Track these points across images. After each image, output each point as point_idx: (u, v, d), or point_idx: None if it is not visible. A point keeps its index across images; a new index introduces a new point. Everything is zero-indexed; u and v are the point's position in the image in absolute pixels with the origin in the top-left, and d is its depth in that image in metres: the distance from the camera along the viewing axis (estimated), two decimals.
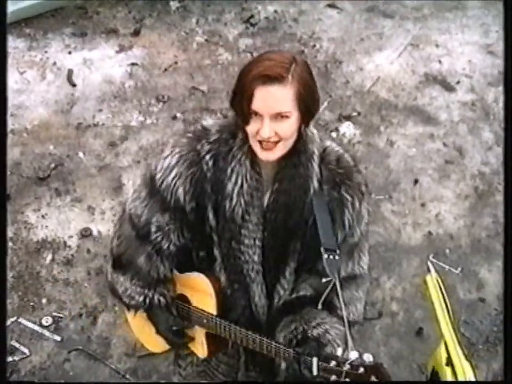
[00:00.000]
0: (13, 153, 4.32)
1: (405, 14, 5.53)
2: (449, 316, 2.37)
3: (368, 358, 1.86)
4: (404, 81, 4.94)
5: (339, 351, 1.92)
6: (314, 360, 1.95)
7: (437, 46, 5.23)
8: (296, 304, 2.16)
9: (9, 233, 3.92)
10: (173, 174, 2.06)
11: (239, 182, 2.03)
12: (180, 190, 2.07)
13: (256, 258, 2.12)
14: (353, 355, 1.87)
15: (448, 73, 5.03)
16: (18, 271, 3.79)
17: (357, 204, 2.09)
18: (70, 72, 4.87)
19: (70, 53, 5.03)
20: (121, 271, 2.24)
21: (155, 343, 2.41)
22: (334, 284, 2.02)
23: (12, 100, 4.64)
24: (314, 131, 2.09)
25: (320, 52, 5.10)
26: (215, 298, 2.18)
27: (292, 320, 2.14)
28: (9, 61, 4.92)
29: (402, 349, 3.58)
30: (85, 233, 3.95)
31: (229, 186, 2.04)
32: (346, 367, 1.87)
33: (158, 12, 5.37)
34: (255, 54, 4.95)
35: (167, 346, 2.40)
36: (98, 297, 3.71)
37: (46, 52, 5.03)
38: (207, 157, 2.05)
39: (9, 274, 3.76)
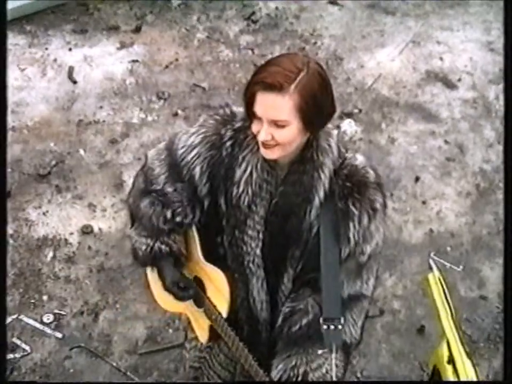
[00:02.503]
0: (13, 150, 4.32)
1: (406, 11, 5.52)
2: (452, 314, 2.37)
3: None
4: (405, 78, 4.94)
5: None
6: None
7: (438, 43, 5.22)
8: (301, 335, 2.11)
9: (10, 230, 3.91)
10: (194, 153, 2.10)
11: (248, 170, 2.05)
12: (197, 169, 2.11)
13: (258, 251, 2.12)
14: None
15: (449, 70, 5.02)
16: (19, 268, 3.79)
17: (364, 220, 2.03)
18: (71, 69, 4.87)
19: (70, 49, 5.02)
20: (133, 225, 2.28)
21: (166, 301, 2.39)
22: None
23: (13, 96, 4.63)
24: (333, 144, 2.04)
25: (321, 48, 5.10)
26: (228, 303, 2.17)
27: (292, 355, 2.11)
28: (10, 57, 4.92)
29: (403, 347, 3.58)
30: (86, 230, 3.95)
31: (238, 173, 2.06)
32: None
33: (159, 9, 5.36)
34: (256, 51, 4.96)
35: (174, 309, 2.42)
36: (100, 294, 3.70)
37: (46, 48, 5.03)
38: (228, 143, 2.08)
39: (10, 271, 3.76)
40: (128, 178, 4.19)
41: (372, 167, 2.09)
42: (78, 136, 4.45)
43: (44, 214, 4.03)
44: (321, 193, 2.02)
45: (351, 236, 2.03)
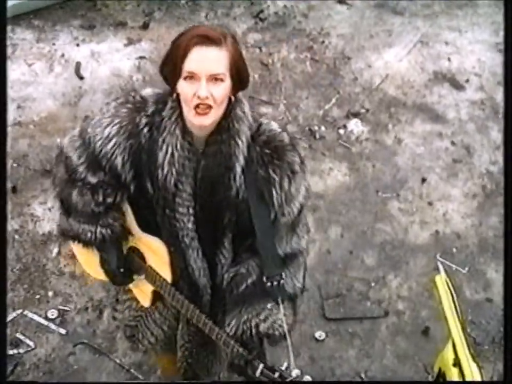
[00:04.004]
0: (20, 146, 4.32)
1: (414, 11, 5.49)
2: (458, 317, 2.37)
3: (307, 379, 2.11)
4: (412, 78, 4.92)
5: (284, 366, 2.09)
6: (261, 366, 2.12)
7: (447, 43, 5.20)
8: (248, 294, 2.24)
9: (15, 226, 3.92)
10: (111, 144, 2.14)
11: (170, 151, 2.10)
12: (119, 159, 2.16)
13: (190, 225, 2.21)
14: (295, 373, 2.07)
15: (457, 71, 5.00)
16: (24, 264, 3.79)
17: (285, 184, 2.14)
18: (78, 65, 4.86)
19: (78, 45, 5.01)
20: (66, 213, 2.32)
21: (96, 269, 2.46)
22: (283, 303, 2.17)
23: (19, 91, 4.64)
24: (247, 110, 2.14)
25: (329, 48, 5.08)
26: (170, 267, 2.29)
27: (242, 311, 2.24)
28: (17, 52, 4.92)
29: (408, 348, 3.57)
30: None
31: (160, 155, 2.11)
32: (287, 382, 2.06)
33: (167, 6, 5.35)
34: (263, 49, 4.95)
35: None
36: (104, 290, 3.70)
37: (54, 44, 5.02)
38: (145, 129, 2.13)
39: (15, 266, 3.77)
40: None
41: (285, 131, 2.20)
42: None
43: (49, 209, 4.02)
44: (241, 160, 2.11)
45: (274, 200, 2.14)
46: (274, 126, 2.19)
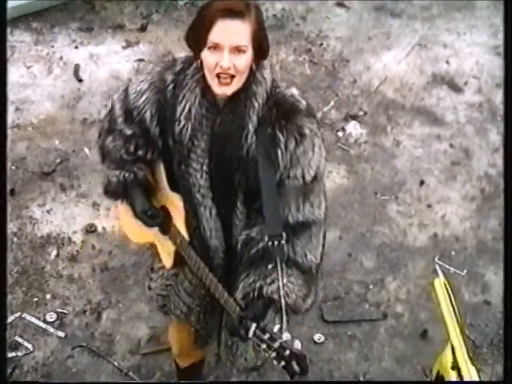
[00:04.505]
0: (18, 148, 4.32)
1: (413, 13, 5.51)
2: (457, 320, 2.37)
3: (297, 345, 2.10)
4: (411, 81, 4.93)
5: (275, 328, 2.14)
6: (253, 326, 2.16)
7: (445, 46, 5.21)
8: (257, 257, 2.26)
9: (14, 228, 3.91)
10: (143, 98, 2.28)
11: (187, 106, 2.21)
12: (148, 113, 2.29)
13: (202, 182, 2.28)
14: (285, 336, 2.11)
15: (456, 74, 5.01)
16: (23, 266, 3.79)
17: (291, 145, 2.18)
18: (77, 67, 4.86)
19: (76, 47, 5.02)
20: (103, 161, 2.46)
21: (134, 233, 2.59)
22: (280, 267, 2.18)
23: (18, 94, 4.64)
24: (267, 75, 2.22)
25: (328, 50, 5.09)
26: (184, 220, 2.35)
27: (250, 274, 2.28)
28: (16, 55, 4.92)
29: (406, 351, 3.57)
30: (90, 229, 3.94)
31: (178, 110, 2.23)
32: (277, 344, 2.11)
33: (166, 8, 5.36)
34: None
35: (142, 239, 2.60)
36: (103, 293, 3.70)
37: (52, 46, 5.02)
38: (171, 85, 2.25)
39: (14, 269, 3.76)
40: None
41: (304, 98, 2.25)
42: (83, 134, 4.45)
43: (47, 212, 4.02)
44: (254, 120, 2.19)
45: (280, 161, 2.19)
46: (293, 91, 2.25)
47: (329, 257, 3.82)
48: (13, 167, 4.18)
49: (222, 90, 2.13)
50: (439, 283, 2.43)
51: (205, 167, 2.26)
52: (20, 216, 3.99)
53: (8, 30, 4.89)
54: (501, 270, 3.88)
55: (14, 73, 4.74)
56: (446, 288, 2.44)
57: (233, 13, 2.05)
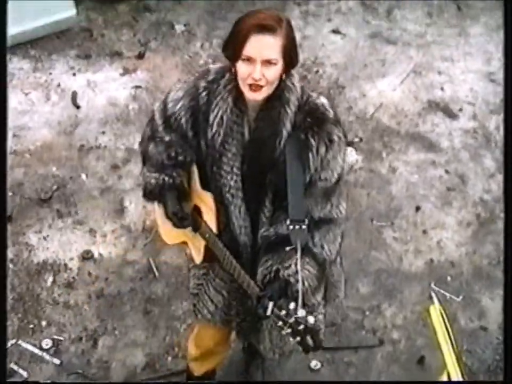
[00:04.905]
0: (15, 174, 4.34)
1: (407, 40, 5.56)
2: (453, 347, 2.37)
3: (311, 320, 2.21)
4: (406, 107, 4.96)
5: (292, 305, 2.25)
6: (270, 304, 2.29)
7: (440, 73, 5.26)
8: (276, 243, 2.44)
9: (10, 255, 3.92)
10: (179, 105, 2.49)
11: (220, 114, 2.41)
12: (183, 119, 2.49)
13: (232, 183, 2.47)
14: (300, 313, 2.22)
15: (450, 100, 5.05)
16: (19, 293, 3.79)
17: (322, 149, 2.38)
18: (74, 94, 4.89)
19: (74, 74, 5.05)
20: (144, 165, 2.66)
21: (168, 235, 2.79)
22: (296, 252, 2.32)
23: (15, 120, 4.66)
24: (296, 82, 2.41)
25: (323, 77, 5.13)
26: (215, 216, 2.52)
27: (269, 258, 2.45)
28: (14, 82, 4.95)
29: (403, 377, 3.56)
30: (86, 256, 3.95)
31: (211, 116, 2.42)
32: (292, 319, 2.22)
33: (163, 35, 5.40)
34: None
35: (175, 240, 2.77)
36: (99, 320, 3.70)
37: (50, 73, 5.06)
38: (204, 93, 2.44)
39: (10, 295, 3.76)
40: (129, 204, 4.21)
41: (332, 108, 2.44)
42: (79, 161, 4.47)
43: (44, 238, 4.03)
44: (288, 126, 2.38)
45: (311, 163, 2.38)
46: (323, 100, 2.44)
47: None
48: (10, 193, 4.19)
49: (253, 96, 2.32)
50: (435, 310, 2.44)
51: (235, 169, 2.45)
52: (17, 242, 4.00)
53: (7, 57, 4.92)
54: (497, 295, 3.88)
55: (12, 100, 4.77)
56: (442, 315, 2.45)
57: (265, 28, 2.23)
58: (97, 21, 5.56)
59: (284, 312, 2.26)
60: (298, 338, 2.24)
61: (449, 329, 2.40)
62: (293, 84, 2.40)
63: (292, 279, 2.38)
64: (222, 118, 2.41)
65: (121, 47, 5.32)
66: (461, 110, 4.97)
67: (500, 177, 4.50)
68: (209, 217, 2.56)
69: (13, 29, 4.89)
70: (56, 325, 3.68)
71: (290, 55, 2.30)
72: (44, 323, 3.68)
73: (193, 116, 2.47)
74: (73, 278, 3.86)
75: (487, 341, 3.73)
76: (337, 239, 2.55)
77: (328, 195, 2.46)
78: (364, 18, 5.76)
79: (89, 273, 3.88)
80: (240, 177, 2.46)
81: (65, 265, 3.91)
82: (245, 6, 5.58)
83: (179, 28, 5.47)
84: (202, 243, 2.61)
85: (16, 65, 5.06)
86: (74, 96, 4.88)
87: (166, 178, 2.54)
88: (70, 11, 5.26)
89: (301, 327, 2.22)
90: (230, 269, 2.51)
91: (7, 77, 4.78)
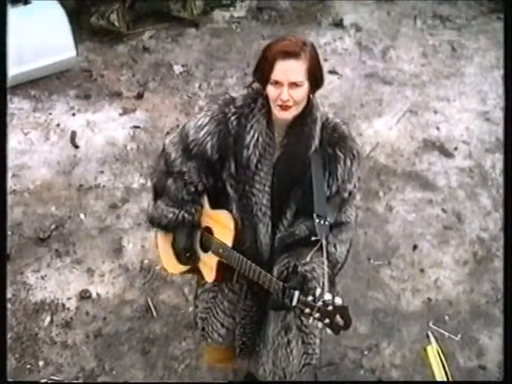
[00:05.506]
0: (14, 213, 4.35)
1: (403, 80, 5.64)
2: None
3: (338, 301, 2.28)
4: (402, 146, 5.01)
5: (318, 291, 2.33)
6: (296, 293, 2.38)
7: (435, 112, 5.32)
8: (293, 243, 2.58)
9: (8, 294, 3.91)
10: (203, 131, 2.59)
11: (256, 135, 2.53)
12: (209, 145, 2.59)
13: (264, 201, 2.59)
14: (327, 296, 2.29)
15: (446, 139, 5.10)
16: (16, 332, 3.77)
17: (348, 162, 2.55)
18: (73, 134, 4.94)
19: (74, 114, 5.11)
20: (158, 198, 2.76)
21: (171, 264, 2.86)
22: (321, 242, 2.46)
23: (15, 160, 4.69)
24: (318, 101, 2.55)
25: None
26: (233, 232, 2.61)
27: (287, 256, 2.57)
28: (14, 121, 5.00)
29: None
30: (84, 295, 3.94)
31: (248, 138, 2.54)
32: (319, 303, 2.29)
33: (162, 76, 5.47)
34: None
35: (180, 269, 2.84)
36: (96, 360, 3.68)
37: (50, 113, 5.11)
38: (233, 118, 2.57)
39: (7, 335, 3.74)
40: (128, 244, 4.22)
41: (344, 123, 2.62)
42: (78, 200, 4.49)
43: (42, 278, 4.03)
44: (316, 141, 2.53)
45: (339, 175, 2.55)
46: (338, 120, 2.61)
47: None
48: (9, 233, 4.20)
49: (284, 115, 2.47)
50: (432, 350, 2.44)
51: (266, 188, 2.58)
52: (15, 282, 3.99)
53: (8, 97, 4.98)
54: (495, 334, 3.88)
55: (12, 140, 4.81)
56: (439, 354, 2.45)
57: (290, 54, 2.39)
58: (97, 61, 5.64)
59: (310, 298, 2.34)
60: (327, 321, 2.29)
61: (447, 369, 2.40)
62: (317, 102, 2.56)
63: (309, 275, 2.49)
64: (258, 139, 2.54)
65: (121, 87, 5.39)
66: (456, 148, 5.01)
67: (496, 215, 4.53)
68: (223, 235, 2.64)
69: (14, 69, 4.96)
70: (54, 365, 3.65)
71: (315, 76, 2.45)
72: (41, 363, 3.66)
73: (220, 140, 2.58)
74: (71, 317, 3.85)
75: (486, 379, 3.70)
76: (347, 243, 2.69)
77: (344, 204, 2.64)
78: (360, 59, 5.85)
79: (87, 313, 3.87)
80: (270, 196, 2.59)
81: (63, 304, 3.90)
82: (243, 47, 5.69)
83: (178, 68, 5.55)
84: (214, 261, 2.68)
85: (16, 105, 5.11)
86: (73, 136, 4.92)
87: (186, 215, 2.69)
88: (70, 52, 5.34)
89: (330, 308, 2.28)
90: (249, 273, 2.58)
91: (8, 117, 4.86)
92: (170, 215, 2.71)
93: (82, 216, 4.38)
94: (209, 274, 2.72)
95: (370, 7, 6.55)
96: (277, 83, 2.43)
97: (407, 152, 4.97)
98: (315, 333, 2.85)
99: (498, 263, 4.23)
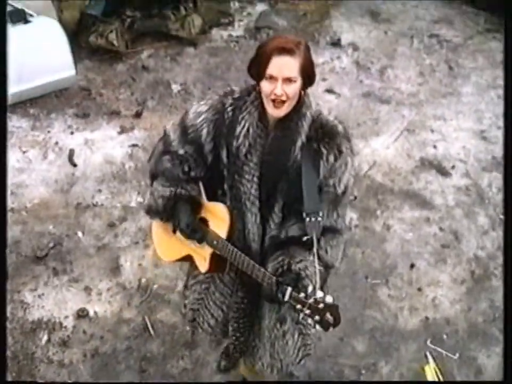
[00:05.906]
0: (12, 232, 4.35)
1: (400, 100, 5.67)
2: None
3: (329, 299, 2.34)
4: (399, 165, 5.03)
5: (310, 288, 2.39)
6: (289, 289, 2.44)
7: (432, 131, 5.35)
8: (286, 242, 2.63)
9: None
10: (201, 118, 2.67)
11: (246, 126, 2.61)
12: (204, 131, 2.67)
13: (253, 191, 2.65)
14: (319, 294, 2.35)
15: (443, 158, 5.12)
16: (13, 351, 3.76)
17: (331, 159, 2.58)
18: (71, 152, 4.95)
19: (72, 133, 5.13)
20: (155, 179, 2.79)
21: (167, 252, 2.91)
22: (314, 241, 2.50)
23: (13, 178, 4.71)
24: (311, 100, 2.62)
25: None
26: (228, 225, 2.66)
27: (280, 254, 2.62)
28: (13, 140, 5.02)
29: None
30: (81, 314, 3.94)
31: (238, 129, 2.62)
32: (311, 300, 2.35)
33: (160, 95, 5.50)
34: None
35: (176, 256, 2.88)
36: (93, 379, 3.66)
37: (48, 131, 5.13)
38: (229, 108, 2.65)
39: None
40: (125, 262, 4.22)
41: (341, 122, 2.65)
42: (76, 218, 4.50)
43: (39, 296, 4.02)
44: (303, 137, 2.58)
45: (321, 169, 2.59)
46: (332, 117, 2.65)
47: (321, 342, 3.82)
48: (6, 251, 4.20)
49: (276, 112, 2.55)
50: (429, 369, 2.44)
51: (255, 178, 2.64)
52: (12, 300, 3.99)
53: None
54: (493, 352, 3.87)
55: (11, 158, 4.83)
56: (436, 374, 2.45)
57: (285, 51, 2.48)
58: (95, 80, 5.68)
59: (302, 294, 2.39)
60: (317, 317, 2.35)
61: None
62: (309, 101, 2.62)
63: (302, 273, 2.55)
64: (248, 130, 2.61)
65: (119, 106, 5.42)
66: (453, 167, 5.03)
67: (493, 234, 4.54)
68: (218, 227, 2.69)
69: (13, 88, 4.98)
70: None
71: (308, 73, 2.53)
72: (38, 382, 3.65)
73: (215, 128, 2.66)
74: (68, 336, 3.84)
75: None
76: (341, 247, 2.74)
77: (336, 205, 2.65)
78: (358, 78, 5.89)
79: (84, 332, 3.86)
80: (258, 186, 2.65)
81: (60, 323, 3.90)
82: (241, 66, 5.72)
83: (176, 87, 5.58)
84: (208, 252, 2.72)
85: (15, 123, 5.14)
86: (71, 154, 4.94)
87: (183, 192, 2.72)
88: (69, 71, 5.37)
89: (321, 305, 2.34)
90: (242, 266, 2.62)
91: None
92: (167, 193, 2.73)
93: (80, 234, 4.39)
94: (203, 265, 2.76)
95: (367, 27, 6.62)
96: (271, 78, 2.50)
97: (404, 171, 4.99)
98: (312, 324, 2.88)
99: (496, 282, 4.24)
